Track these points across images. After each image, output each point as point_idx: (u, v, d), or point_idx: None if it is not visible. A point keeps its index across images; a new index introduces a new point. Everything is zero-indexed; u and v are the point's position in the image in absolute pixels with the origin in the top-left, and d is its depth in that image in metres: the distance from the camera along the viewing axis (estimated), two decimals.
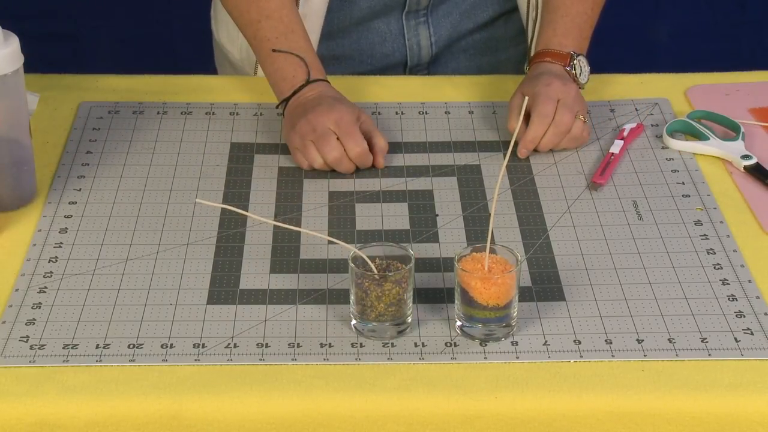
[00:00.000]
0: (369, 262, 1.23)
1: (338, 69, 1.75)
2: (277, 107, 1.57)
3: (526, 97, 1.49)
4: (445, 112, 1.64)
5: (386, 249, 1.25)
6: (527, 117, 1.53)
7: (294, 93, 1.54)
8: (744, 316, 1.27)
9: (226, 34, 1.78)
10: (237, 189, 1.47)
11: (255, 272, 1.33)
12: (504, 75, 1.76)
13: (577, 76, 1.60)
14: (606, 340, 1.23)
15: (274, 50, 1.56)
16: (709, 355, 1.22)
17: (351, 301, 1.24)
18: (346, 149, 1.48)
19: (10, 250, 1.36)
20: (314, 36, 1.69)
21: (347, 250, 1.23)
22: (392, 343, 1.23)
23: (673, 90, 1.69)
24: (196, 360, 1.21)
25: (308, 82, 1.55)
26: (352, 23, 1.73)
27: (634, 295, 1.30)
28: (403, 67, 1.78)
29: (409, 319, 1.24)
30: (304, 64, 1.55)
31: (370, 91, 1.69)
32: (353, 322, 1.25)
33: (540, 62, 1.61)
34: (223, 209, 1.42)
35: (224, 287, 1.31)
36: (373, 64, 1.76)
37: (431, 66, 1.80)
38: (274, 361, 1.21)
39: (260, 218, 1.31)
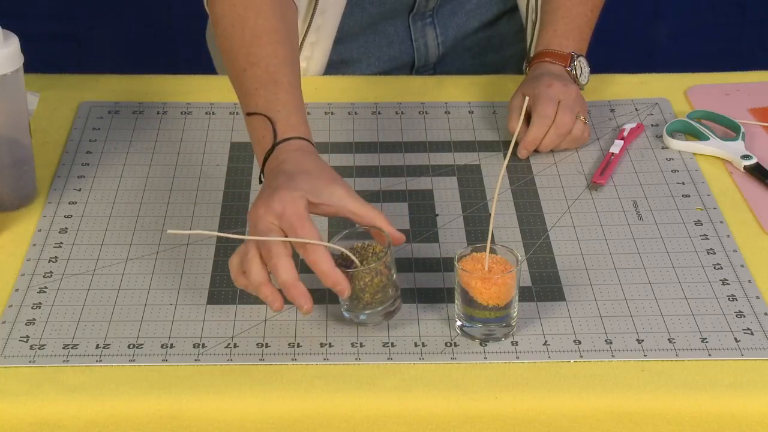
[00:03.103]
0: (347, 252, 1.22)
1: (346, 72, 1.76)
2: (260, 181, 1.32)
3: (527, 98, 1.49)
4: (445, 112, 1.64)
5: (361, 234, 1.25)
6: (528, 118, 1.53)
7: (264, 162, 1.31)
8: (744, 316, 1.27)
9: None
10: (237, 189, 1.47)
11: None
12: (504, 75, 1.76)
13: (578, 76, 1.60)
14: (606, 340, 1.23)
15: (248, 114, 1.34)
16: (709, 355, 1.22)
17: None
18: (270, 269, 1.21)
19: (10, 250, 1.36)
20: (327, 44, 1.69)
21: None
22: (392, 343, 1.23)
23: (673, 90, 1.69)
24: (196, 360, 1.21)
25: (274, 146, 1.30)
26: (361, 28, 1.73)
27: (634, 295, 1.30)
28: (410, 68, 1.78)
29: (398, 301, 1.25)
30: (270, 124, 1.31)
31: (371, 91, 1.69)
32: (345, 314, 1.25)
33: (540, 62, 1.61)
34: (222, 209, 1.42)
35: (224, 287, 1.31)
36: (381, 66, 1.76)
37: (437, 66, 1.80)
38: (274, 361, 1.21)
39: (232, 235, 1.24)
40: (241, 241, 1.23)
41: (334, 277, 1.19)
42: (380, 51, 1.76)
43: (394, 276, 1.24)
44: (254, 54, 1.38)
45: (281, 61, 1.38)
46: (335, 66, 1.74)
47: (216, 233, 1.21)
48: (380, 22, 1.73)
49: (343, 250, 1.22)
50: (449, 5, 1.75)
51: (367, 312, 1.23)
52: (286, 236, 1.20)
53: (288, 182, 1.24)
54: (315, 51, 1.70)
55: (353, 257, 1.22)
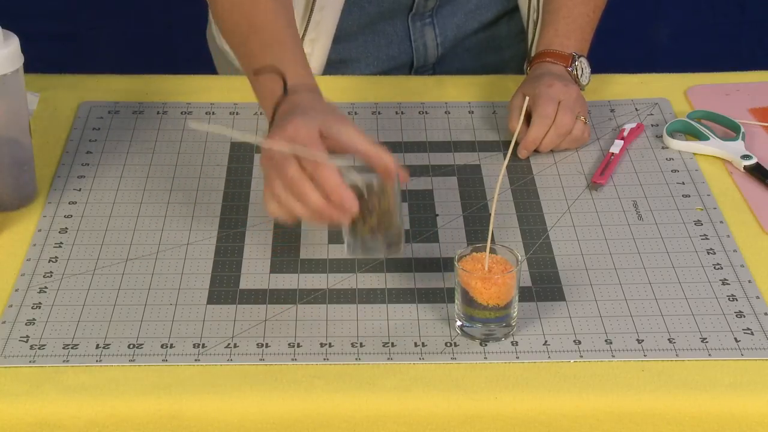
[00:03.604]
0: (357, 176, 1.23)
1: (345, 72, 1.76)
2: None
3: (527, 98, 1.49)
4: (445, 112, 1.64)
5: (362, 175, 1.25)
6: (528, 117, 1.53)
7: (275, 113, 1.33)
8: (744, 316, 1.27)
9: None
10: (237, 189, 1.47)
11: (255, 272, 1.33)
12: (504, 75, 1.76)
13: (579, 77, 1.60)
14: (606, 340, 1.23)
15: (255, 72, 1.39)
16: (709, 355, 1.22)
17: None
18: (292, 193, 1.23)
19: (10, 250, 1.36)
20: (326, 42, 1.69)
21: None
22: (392, 343, 1.23)
23: (673, 90, 1.69)
24: (196, 360, 1.21)
25: (285, 94, 1.34)
26: (359, 27, 1.73)
27: (634, 295, 1.30)
28: (409, 68, 1.78)
29: (401, 239, 1.26)
30: (281, 78, 1.35)
31: (371, 91, 1.69)
32: (347, 245, 1.25)
33: (541, 62, 1.61)
34: (222, 209, 1.42)
35: (224, 287, 1.31)
36: (379, 66, 1.76)
37: (436, 66, 1.80)
38: (274, 361, 1.21)
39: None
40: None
41: (342, 193, 1.20)
42: (379, 51, 1.76)
43: (400, 210, 1.25)
44: (255, 23, 1.43)
45: (282, 25, 1.44)
46: (334, 65, 1.74)
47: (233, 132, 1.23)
48: (379, 22, 1.74)
49: (353, 172, 1.22)
50: (449, 6, 1.75)
51: (372, 240, 1.23)
52: (299, 161, 1.22)
53: (301, 113, 1.28)
54: (315, 48, 1.70)
55: (359, 182, 1.22)
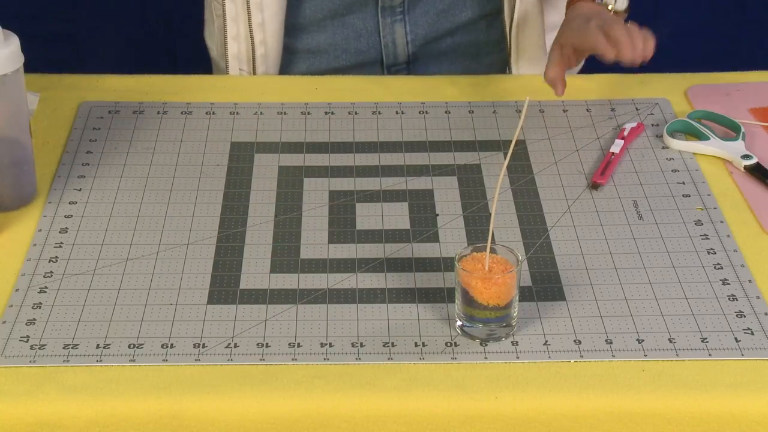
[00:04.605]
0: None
1: (313, 63, 1.75)
2: None
3: (528, 98, 1.48)
4: (445, 112, 1.64)
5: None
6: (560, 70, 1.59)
7: None
8: (744, 316, 1.27)
9: (208, 33, 1.79)
10: (237, 189, 1.47)
11: (255, 272, 1.33)
12: (505, 75, 1.76)
13: (614, 4, 1.64)
14: (606, 340, 1.23)
15: None
16: (710, 355, 1.22)
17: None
18: None
19: (10, 250, 1.36)
20: (276, 42, 1.70)
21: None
22: (392, 343, 1.23)
23: (673, 90, 1.69)
24: (196, 360, 1.21)
25: None
26: (325, 16, 1.72)
27: (634, 294, 1.30)
28: (380, 65, 1.78)
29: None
30: None
31: (371, 90, 1.69)
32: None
33: (575, 5, 1.64)
34: (222, 209, 1.42)
35: (224, 287, 1.31)
36: (348, 59, 1.76)
37: (410, 67, 1.79)
38: (274, 361, 1.21)
39: None
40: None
41: None
42: (347, 44, 1.75)
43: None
44: None
45: None
46: (301, 55, 1.73)
47: None
48: (347, 14, 1.73)
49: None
50: (421, 3, 1.74)
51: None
52: None
53: None
54: (267, 48, 1.69)
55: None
